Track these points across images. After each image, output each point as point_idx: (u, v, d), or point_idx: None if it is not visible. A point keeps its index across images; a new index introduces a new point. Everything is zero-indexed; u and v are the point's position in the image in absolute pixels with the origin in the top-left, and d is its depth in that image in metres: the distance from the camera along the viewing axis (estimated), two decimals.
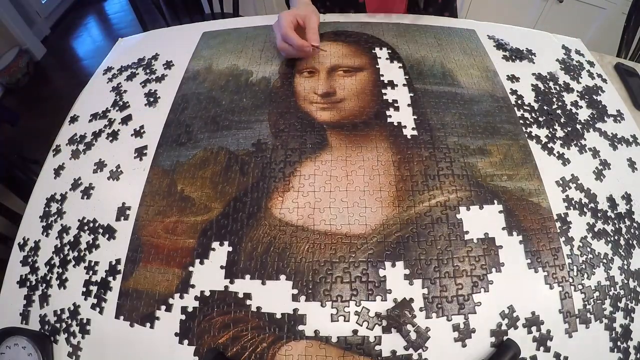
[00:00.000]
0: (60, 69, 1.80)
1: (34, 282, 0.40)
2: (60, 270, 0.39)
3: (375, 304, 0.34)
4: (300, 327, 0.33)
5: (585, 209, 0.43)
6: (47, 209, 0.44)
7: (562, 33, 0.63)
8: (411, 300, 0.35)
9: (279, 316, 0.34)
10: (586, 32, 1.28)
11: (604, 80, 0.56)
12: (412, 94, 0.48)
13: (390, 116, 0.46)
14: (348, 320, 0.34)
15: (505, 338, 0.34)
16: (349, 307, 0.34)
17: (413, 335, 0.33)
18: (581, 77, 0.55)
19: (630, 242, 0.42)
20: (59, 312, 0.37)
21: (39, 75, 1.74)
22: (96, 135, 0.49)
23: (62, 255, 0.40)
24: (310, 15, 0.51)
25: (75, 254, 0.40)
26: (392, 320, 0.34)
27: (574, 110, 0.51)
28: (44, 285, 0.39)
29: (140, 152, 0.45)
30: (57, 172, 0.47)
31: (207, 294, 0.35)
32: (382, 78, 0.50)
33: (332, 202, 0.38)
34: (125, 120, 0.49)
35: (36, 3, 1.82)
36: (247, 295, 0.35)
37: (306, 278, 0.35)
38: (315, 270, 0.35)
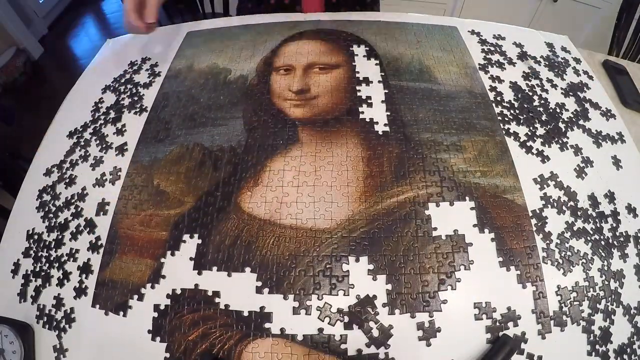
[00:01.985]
0: (58, 69, 1.88)
1: (29, 274, 0.43)
2: (45, 264, 0.43)
3: (338, 298, 0.36)
4: (267, 325, 0.35)
5: (564, 207, 0.43)
6: (39, 200, 0.48)
7: (556, 33, 0.63)
8: (374, 297, 0.36)
9: (246, 314, 0.36)
10: (581, 31, 1.30)
11: (590, 77, 0.57)
12: (386, 91, 0.50)
13: (362, 112, 0.48)
14: (310, 314, 0.36)
15: (501, 334, 0.35)
16: (311, 300, 0.36)
17: (375, 333, 0.35)
18: (566, 74, 0.57)
19: (612, 241, 0.42)
20: (44, 303, 0.41)
21: (36, 75, 1.83)
22: (87, 142, 0.52)
23: (49, 246, 0.44)
24: None
25: (61, 245, 0.43)
26: (354, 316, 0.35)
27: (556, 107, 0.53)
28: (32, 277, 0.43)
29: (120, 149, 0.49)
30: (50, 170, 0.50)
31: (179, 291, 0.38)
32: (357, 75, 0.52)
33: (299, 197, 0.41)
34: (114, 120, 0.53)
35: (33, 2, 1.90)
36: (216, 293, 0.37)
37: (270, 271, 0.37)
38: (279, 264, 0.38)
